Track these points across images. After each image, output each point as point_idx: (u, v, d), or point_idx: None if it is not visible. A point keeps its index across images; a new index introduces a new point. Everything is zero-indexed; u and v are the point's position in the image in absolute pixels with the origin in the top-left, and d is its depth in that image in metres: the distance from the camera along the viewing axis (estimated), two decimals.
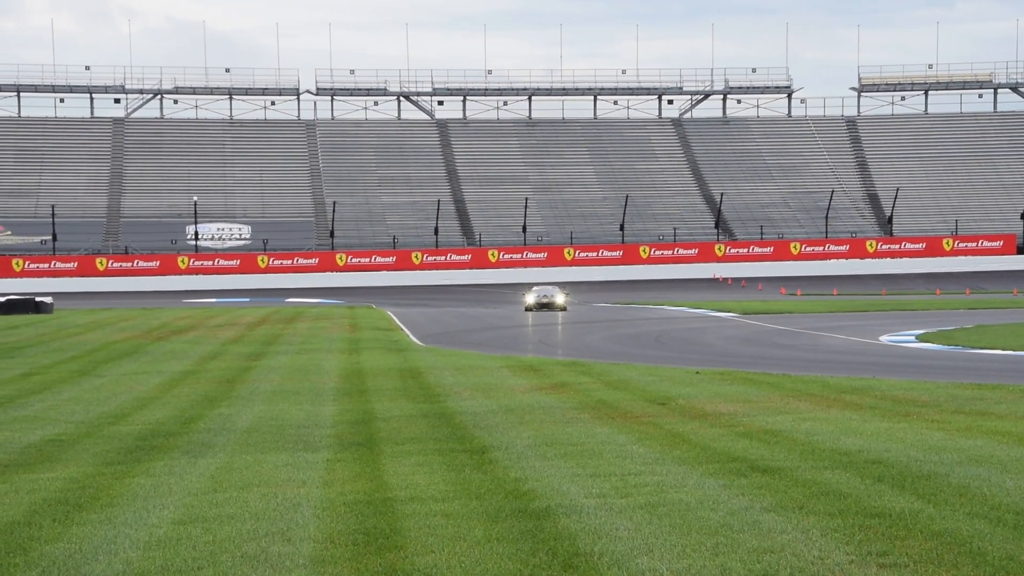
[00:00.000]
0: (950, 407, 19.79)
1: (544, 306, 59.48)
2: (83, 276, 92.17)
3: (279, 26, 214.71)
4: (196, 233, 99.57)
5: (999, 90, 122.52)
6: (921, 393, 22.01)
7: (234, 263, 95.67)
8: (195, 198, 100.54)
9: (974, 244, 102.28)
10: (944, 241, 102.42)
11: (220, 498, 12.61)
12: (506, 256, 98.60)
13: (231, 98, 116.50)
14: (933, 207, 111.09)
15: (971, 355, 33.71)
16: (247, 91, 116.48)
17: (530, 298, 60.49)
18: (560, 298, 60.03)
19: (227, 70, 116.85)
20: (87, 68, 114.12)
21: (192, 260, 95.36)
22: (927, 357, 33.42)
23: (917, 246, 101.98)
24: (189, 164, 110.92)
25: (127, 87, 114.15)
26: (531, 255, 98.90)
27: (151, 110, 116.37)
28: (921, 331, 43.29)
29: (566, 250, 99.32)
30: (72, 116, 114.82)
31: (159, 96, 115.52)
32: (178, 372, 29.72)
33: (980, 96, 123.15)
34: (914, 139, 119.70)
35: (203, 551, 10.16)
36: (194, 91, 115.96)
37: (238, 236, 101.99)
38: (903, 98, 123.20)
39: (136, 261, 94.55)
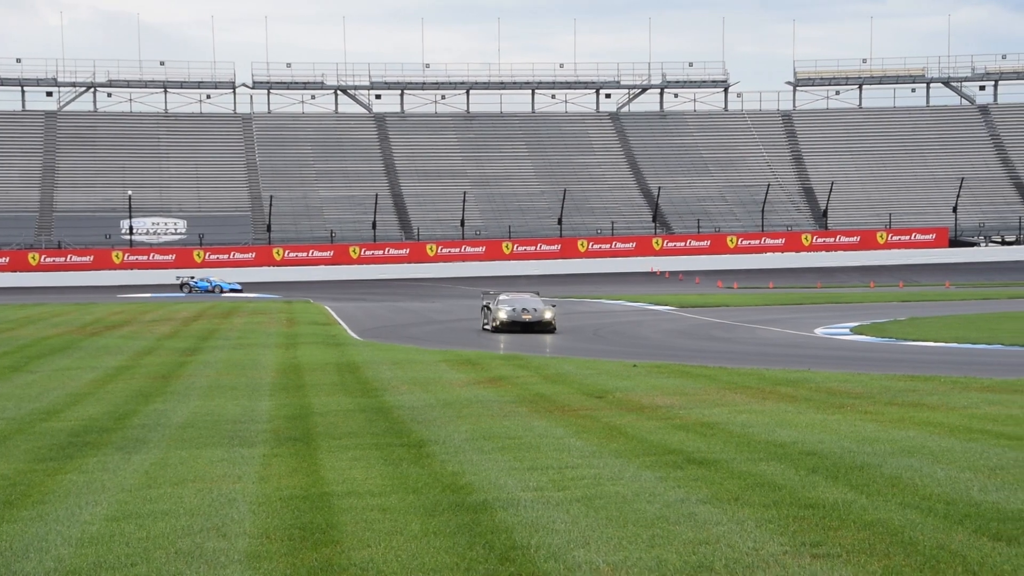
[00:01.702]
0: (883, 399, 19.99)
1: (525, 326, 41.09)
2: (15, 271, 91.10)
3: (214, 19, 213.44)
4: (131, 227, 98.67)
5: (931, 85, 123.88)
6: (855, 385, 22.21)
7: (169, 258, 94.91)
8: (129, 192, 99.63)
9: (907, 237, 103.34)
10: (878, 234, 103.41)
11: (154, 494, 12.51)
12: (444, 250, 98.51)
13: (166, 91, 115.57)
14: (867, 201, 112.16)
15: (904, 347, 34.08)
16: (182, 84, 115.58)
17: (502, 312, 41.46)
18: (548, 313, 41.54)
19: (162, 63, 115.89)
20: (18, 60, 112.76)
21: (127, 255, 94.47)
22: (861, 349, 33.74)
23: (851, 239, 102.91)
24: (123, 158, 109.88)
25: (59, 80, 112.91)
26: (469, 249, 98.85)
27: (84, 103, 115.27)
28: (855, 324, 43.70)
29: (504, 244, 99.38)
30: (3, 109, 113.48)
31: (92, 89, 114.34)
32: (112, 368, 29.44)
33: (913, 91, 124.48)
34: (848, 133, 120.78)
35: (136, 548, 10.07)
36: (128, 84, 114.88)
37: (173, 230, 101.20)
38: (838, 92, 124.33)
39: (69, 256, 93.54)
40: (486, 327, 42.69)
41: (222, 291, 78.40)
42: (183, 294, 79.35)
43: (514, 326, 41.07)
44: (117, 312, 56.69)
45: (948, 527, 10.07)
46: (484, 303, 44.22)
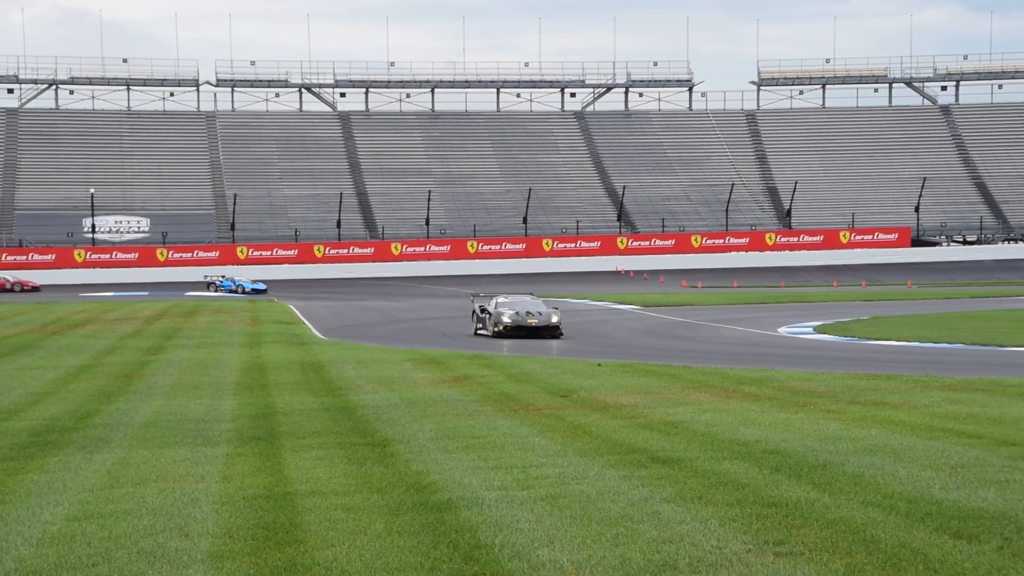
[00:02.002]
0: (846, 397, 20.09)
1: (532, 331, 38.35)
2: None
3: (177, 16, 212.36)
4: (93, 226, 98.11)
5: (894, 85, 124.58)
6: (818, 384, 22.32)
7: (132, 256, 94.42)
8: (92, 190, 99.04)
9: (870, 237, 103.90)
10: (841, 234, 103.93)
11: (116, 494, 12.44)
12: (409, 249, 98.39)
13: (129, 89, 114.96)
14: (830, 200, 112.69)
15: (867, 346, 34.28)
16: (145, 82, 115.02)
17: (505, 316, 38.67)
18: (555, 317, 39.01)
19: (124, 60, 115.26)
20: None
21: (89, 253, 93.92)
22: (824, 348, 33.91)
23: (815, 239, 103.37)
24: (86, 156, 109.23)
25: (21, 77, 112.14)
26: (434, 248, 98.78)
27: (46, 100, 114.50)
28: (818, 323, 43.92)
29: (469, 243, 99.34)
30: None
31: (54, 86, 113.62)
32: (74, 367, 29.27)
33: (876, 91, 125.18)
34: (812, 133, 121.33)
35: (98, 547, 10.01)
36: (90, 81, 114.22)
37: (136, 229, 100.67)
38: (801, 92, 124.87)
39: (31, 254, 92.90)
40: (481, 332, 39.81)
41: (244, 291, 77.24)
42: (146, 294, 78.94)
43: (519, 331, 38.15)
44: (79, 311, 56.37)
45: (910, 525, 10.13)
46: (477, 306, 41.32)
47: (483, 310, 40.39)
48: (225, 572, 9.25)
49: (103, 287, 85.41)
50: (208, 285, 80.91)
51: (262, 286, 79.00)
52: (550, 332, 38.38)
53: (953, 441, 14.75)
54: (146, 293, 79.32)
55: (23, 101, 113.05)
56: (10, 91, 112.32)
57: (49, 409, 20.55)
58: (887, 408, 18.47)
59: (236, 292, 77.46)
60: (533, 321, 38.35)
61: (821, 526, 10.15)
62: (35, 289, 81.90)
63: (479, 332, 39.99)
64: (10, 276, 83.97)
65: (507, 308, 39.15)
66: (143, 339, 38.72)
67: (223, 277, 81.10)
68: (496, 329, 38.55)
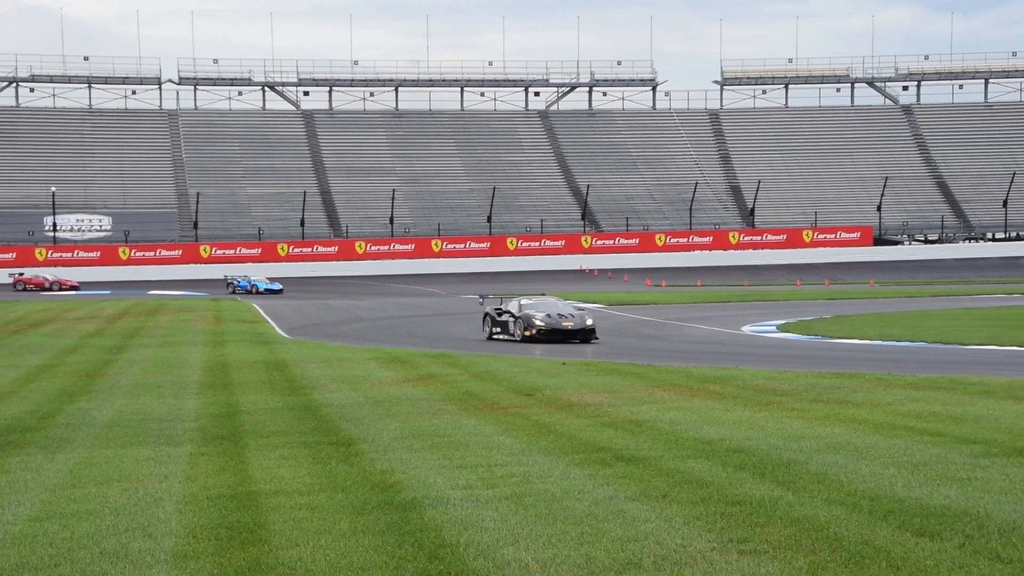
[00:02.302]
0: (809, 396, 20.17)
1: (568, 335, 35.44)
2: None
3: (139, 14, 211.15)
4: (55, 224, 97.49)
5: (856, 84, 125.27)
6: (781, 382, 22.40)
7: (94, 255, 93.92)
8: (53, 188, 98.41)
9: (833, 236, 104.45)
10: (804, 233, 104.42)
11: (78, 494, 12.36)
12: (373, 248, 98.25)
13: (90, 87, 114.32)
14: (794, 199, 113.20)
15: (830, 344, 34.44)
16: (107, 80, 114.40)
17: (538, 319, 35.89)
18: (590, 320, 36.33)
19: (86, 58, 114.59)
20: None
21: (50, 252, 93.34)
22: (787, 347, 34.04)
23: (778, 238, 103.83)
24: (47, 154, 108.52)
25: None
26: (399, 247, 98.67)
27: (6, 98, 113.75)
28: (782, 321, 44.10)
29: (434, 242, 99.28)
30: None
31: (14, 84, 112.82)
32: (36, 366, 29.07)
33: (838, 90, 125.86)
34: (775, 132, 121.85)
35: (60, 548, 9.94)
36: (51, 79, 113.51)
37: (98, 227, 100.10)
38: (764, 92, 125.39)
39: None
40: (498, 337, 36.94)
41: (258, 291, 75.16)
42: (108, 292, 78.50)
43: (553, 335, 35.21)
44: (41, 310, 56.00)
45: (872, 523, 10.18)
46: (491, 308, 38.35)
47: (501, 312, 37.27)
48: (189, 572, 9.20)
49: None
50: (227, 285, 78.70)
51: (278, 286, 76.49)
52: (585, 336, 35.38)
53: (915, 439, 14.83)
54: (108, 292, 78.87)
55: None
56: None
57: (10, 409, 20.40)
58: (850, 406, 18.55)
59: (251, 292, 75.42)
60: (569, 324, 35.45)
61: (785, 524, 10.18)
62: (74, 288, 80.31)
63: (496, 337, 37.01)
64: (49, 274, 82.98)
65: (535, 310, 36.27)
66: (105, 338, 38.51)
67: (243, 277, 79.20)
68: (528, 333, 35.52)
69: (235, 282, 77.86)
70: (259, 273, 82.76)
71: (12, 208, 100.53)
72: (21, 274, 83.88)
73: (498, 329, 37.11)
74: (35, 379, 25.83)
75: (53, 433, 17.27)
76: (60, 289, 79.85)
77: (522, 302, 37.26)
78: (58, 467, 14.21)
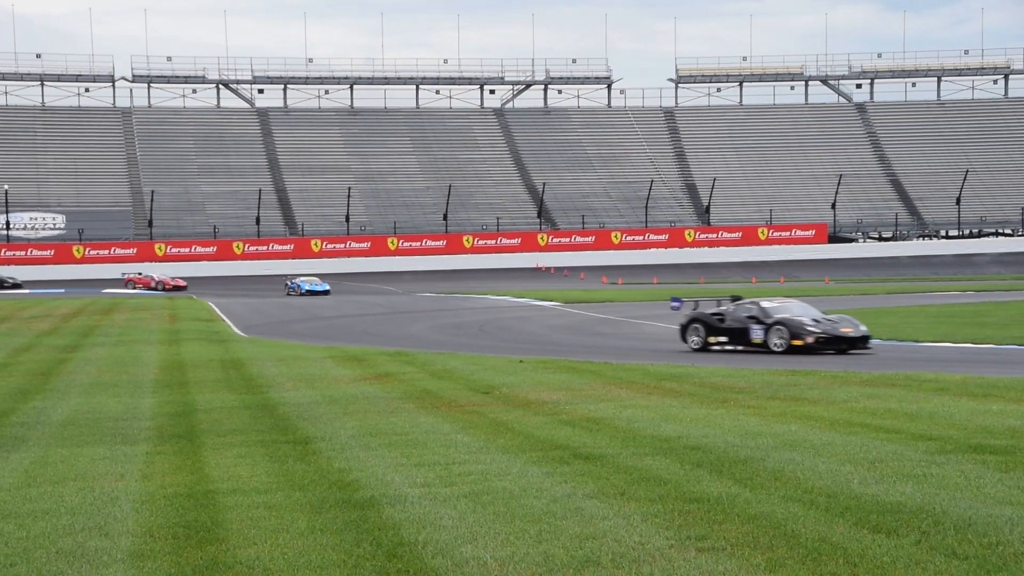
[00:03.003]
0: (765, 393, 20.26)
1: (850, 344, 29.84)
2: None
3: (92, 11, 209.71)
4: (7, 223, 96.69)
5: (810, 83, 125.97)
6: (738, 380, 22.49)
7: (48, 253, 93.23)
8: (5, 187, 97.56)
9: (788, 233, 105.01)
10: (759, 230, 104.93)
11: (34, 493, 12.27)
12: (329, 246, 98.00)
13: (43, 84, 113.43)
14: (749, 197, 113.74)
15: None
16: (60, 77, 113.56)
17: (810, 324, 30.25)
18: (864, 326, 30.72)
19: (38, 56, 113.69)
20: None
21: (3, 250, 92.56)
22: None
23: (734, 235, 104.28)
24: None
25: None
26: (355, 245, 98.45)
27: None
28: None
29: (389, 240, 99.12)
30: None
31: None
32: None
33: (792, 88, 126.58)
34: (730, 130, 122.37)
35: (16, 547, 9.87)
36: (3, 77, 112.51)
37: (52, 226, 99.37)
38: (719, 90, 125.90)
39: None
40: (717, 346, 31.47)
41: (300, 293, 72.35)
42: (62, 291, 77.92)
43: (834, 344, 29.76)
44: None
45: (829, 519, 10.23)
46: (705, 312, 32.48)
47: (725, 318, 31.49)
48: (146, 571, 9.16)
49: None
50: (285, 286, 75.78)
51: (320, 288, 72.87)
52: (864, 343, 30.17)
53: (871, 436, 14.92)
54: (62, 290, 78.27)
55: None
56: None
57: None
58: (806, 403, 18.64)
59: (291, 294, 72.78)
60: (848, 331, 30.02)
61: (742, 521, 10.22)
62: (178, 288, 77.98)
63: (715, 347, 31.49)
64: (155, 274, 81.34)
65: (794, 314, 30.77)
66: (60, 337, 38.22)
67: (297, 277, 76.52)
68: (798, 343, 29.77)
69: (290, 284, 75.09)
70: (216, 271, 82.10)
71: None
72: (139, 273, 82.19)
73: (723, 338, 31.26)
74: None
75: (8, 432, 17.13)
76: (164, 289, 77.51)
77: (764, 305, 31.31)
78: (13, 466, 14.10)
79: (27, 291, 78.40)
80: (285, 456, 14.32)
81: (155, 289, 78.25)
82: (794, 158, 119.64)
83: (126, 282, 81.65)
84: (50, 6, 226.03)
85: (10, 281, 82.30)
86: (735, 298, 32.95)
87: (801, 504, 10.85)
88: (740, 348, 30.94)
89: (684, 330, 32.26)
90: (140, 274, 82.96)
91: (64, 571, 9.19)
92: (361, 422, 17.36)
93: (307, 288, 73.06)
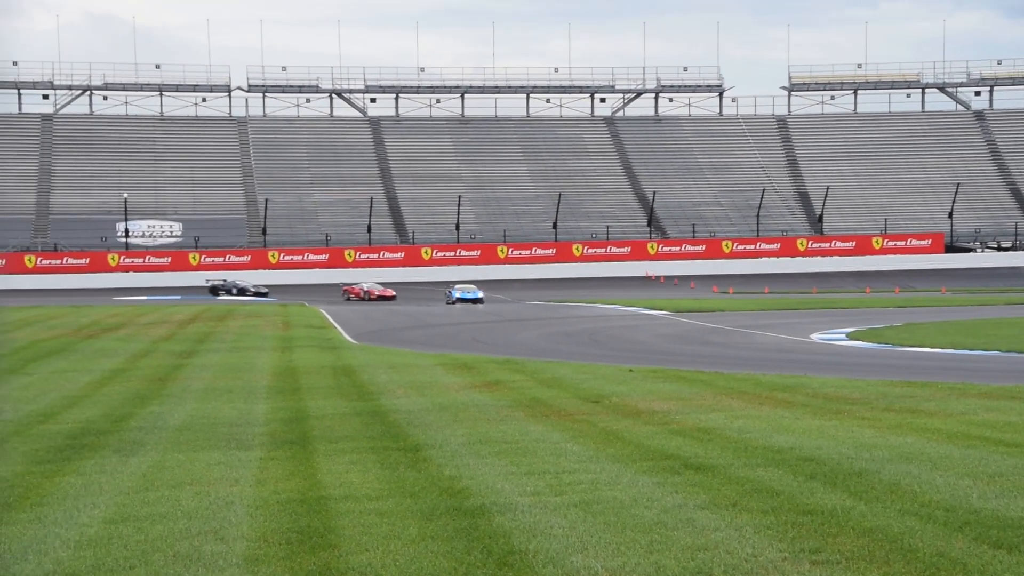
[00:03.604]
0: (880, 404, 19.97)
1: None
2: (11, 274, 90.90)
3: (209, 22, 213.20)
4: (127, 230, 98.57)
5: (927, 90, 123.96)
6: (852, 391, 22.20)
7: (165, 260, 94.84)
8: (125, 195, 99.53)
9: (903, 243, 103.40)
10: (874, 240, 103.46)
11: (152, 497, 12.48)
12: (439, 254, 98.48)
13: (161, 94, 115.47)
14: (863, 206, 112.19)
15: (900, 353, 34.07)
16: (178, 87, 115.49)
17: None
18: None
19: (157, 66, 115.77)
20: (15, 63, 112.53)
21: (122, 257, 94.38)
22: (857, 355, 33.73)
23: (847, 244, 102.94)
24: (119, 160, 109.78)
25: (56, 83, 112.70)
26: (464, 253, 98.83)
27: (80, 106, 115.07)
28: (851, 329, 43.69)
29: (499, 248, 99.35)
30: (0, 112, 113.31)
31: (88, 92, 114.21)
32: (108, 370, 29.38)
33: (908, 96, 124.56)
34: (844, 138, 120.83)
35: (135, 550, 10.04)
36: (124, 87, 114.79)
37: (169, 233, 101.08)
38: (833, 97, 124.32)
39: (65, 258, 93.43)
40: None
41: (451, 301, 70.19)
42: (178, 297, 79.10)
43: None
44: (113, 315, 56.62)
45: (948, 534, 10.05)
46: None
47: None
48: None
49: (136, 291, 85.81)
50: (447, 295, 73.50)
51: (473, 296, 70.99)
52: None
53: (991, 449, 14.64)
54: (179, 297, 79.62)
55: (58, 107, 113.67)
56: (45, 96, 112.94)
57: (84, 412, 20.64)
58: (923, 415, 18.34)
59: (449, 303, 70.61)
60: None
61: (858, 534, 10.08)
62: (385, 298, 76.01)
63: None
64: (365, 284, 79.50)
65: None
66: (176, 343, 38.87)
67: (455, 285, 74.49)
68: None
69: (449, 292, 72.82)
70: (328, 278, 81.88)
71: (86, 214, 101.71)
72: (354, 284, 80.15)
73: None
74: (108, 383, 26.11)
75: (126, 436, 17.45)
76: (369, 300, 75.75)
77: None
78: (132, 470, 14.35)
79: (144, 298, 79.83)
80: (396, 463, 14.40)
81: (363, 299, 76.13)
82: (910, 166, 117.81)
83: (343, 292, 79.23)
84: (169, 17, 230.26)
85: (251, 290, 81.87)
86: None
87: (918, 518, 10.68)
88: None
89: None
90: (355, 284, 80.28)
91: (181, 574, 9.34)
92: (471, 430, 17.41)
93: (457, 296, 70.90)
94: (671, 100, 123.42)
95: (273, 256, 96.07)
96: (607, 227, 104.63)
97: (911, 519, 10.63)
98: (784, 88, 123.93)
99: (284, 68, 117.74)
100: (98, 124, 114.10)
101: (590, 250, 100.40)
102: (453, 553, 9.76)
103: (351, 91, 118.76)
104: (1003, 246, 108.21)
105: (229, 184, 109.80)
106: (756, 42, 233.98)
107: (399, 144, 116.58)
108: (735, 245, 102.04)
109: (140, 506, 12.00)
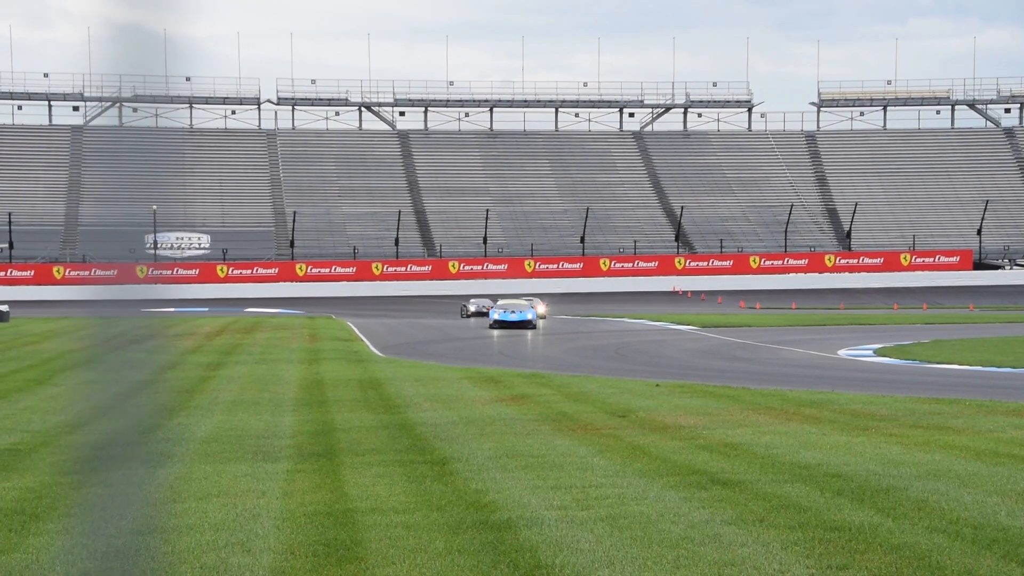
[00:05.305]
0: (908, 421, 19.89)
1: None
2: (40, 284, 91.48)
3: (240, 35, 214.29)
4: (155, 242, 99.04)
5: (956, 107, 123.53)
6: (879, 407, 22.11)
7: (193, 272, 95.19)
8: (154, 207, 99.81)
9: (931, 259, 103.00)
10: (902, 256, 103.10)
11: (179, 508, 12.52)
12: (466, 267, 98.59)
13: (191, 107, 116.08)
14: (891, 222, 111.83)
15: (928, 369, 33.92)
16: (208, 100, 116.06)
17: None
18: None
19: (187, 79, 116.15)
20: (45, 75, 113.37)
21: (151, 269, 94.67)
22: (885, 371, 33.59)
23: (875, 261, 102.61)
24: (148, 172, 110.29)
25: (86, 95, 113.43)
26: (492, 266, 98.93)
27: (110, 118, 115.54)
28: (879, 345, 43.53)
29: (527, 262, 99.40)
30: (30, 124, 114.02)
31: (118, 104, 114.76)
32: (135, 381, 29.43)
33: (938, 112, 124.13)
34: (873, 154, 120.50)
35: (162, 562, 10.03)
36: (154, 100, 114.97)
37: (197, 245, 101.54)
38: (862, 113, 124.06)
39: (93, 270, 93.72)
40: None
41: (502, 325, 64.93)
42: (206, 309, 79.43)
43: None
44: (140, 326, 56.74)
45: (976, 552, 10.00)
46: None
47: None
48: None
49: (164, 302, 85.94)
50: (463, 308, 71.19)
51: (523, 315, 60.30)
52: None
53: (1019, 467, 14.56)
54: (206, 309, 79.92)
55: (88, 119, 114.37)
56: (75, 108, 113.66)
57: (112, 423, 20.68)
58: (950, 432, 18.26)
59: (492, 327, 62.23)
60: None
61: (885, 551, 10.04)
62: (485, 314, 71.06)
63: None
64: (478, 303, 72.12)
65: None
66: (203, 355, 39.00)
67: (499, 302, 69.17)
68: None
69: (489, 311, 68.33)
70: (355, 291, 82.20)
71: (114, 226, 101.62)
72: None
73: None
74: (135, 394, 26.16)
75: (154, 447, 17.48)
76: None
77: None
78: (159, 481, 14.37)
79: (172, 309, 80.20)
80: (422, 476, 14.41)
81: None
82: (939, 183, 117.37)
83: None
84: (199, 29, 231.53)
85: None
86: None
87: (946, 535, 10.63)
88: None
89: None
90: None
91: None
92: (497, 443, 17.41)
93: (496, 317, 60.32)
94: (700, 115, 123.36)
95: (300, 269, 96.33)
96: (635, 241, 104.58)
97: (939, 536, 10.58)
98: (813, 104, 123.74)
99: (313, 81, 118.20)
100: (127, 136, 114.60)
101: (617, 264, 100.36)
102: (479, 567, 9.77)
103: (380, 104, 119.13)
104: None
105: (257, 196, 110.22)
106: (785, 58, 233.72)
107: (427, 157, 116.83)
108: (763, 260, 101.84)
109: (167, 517, 12.04)
